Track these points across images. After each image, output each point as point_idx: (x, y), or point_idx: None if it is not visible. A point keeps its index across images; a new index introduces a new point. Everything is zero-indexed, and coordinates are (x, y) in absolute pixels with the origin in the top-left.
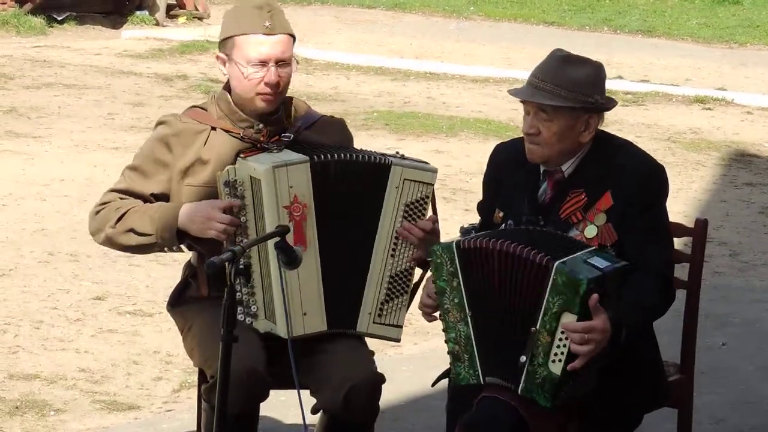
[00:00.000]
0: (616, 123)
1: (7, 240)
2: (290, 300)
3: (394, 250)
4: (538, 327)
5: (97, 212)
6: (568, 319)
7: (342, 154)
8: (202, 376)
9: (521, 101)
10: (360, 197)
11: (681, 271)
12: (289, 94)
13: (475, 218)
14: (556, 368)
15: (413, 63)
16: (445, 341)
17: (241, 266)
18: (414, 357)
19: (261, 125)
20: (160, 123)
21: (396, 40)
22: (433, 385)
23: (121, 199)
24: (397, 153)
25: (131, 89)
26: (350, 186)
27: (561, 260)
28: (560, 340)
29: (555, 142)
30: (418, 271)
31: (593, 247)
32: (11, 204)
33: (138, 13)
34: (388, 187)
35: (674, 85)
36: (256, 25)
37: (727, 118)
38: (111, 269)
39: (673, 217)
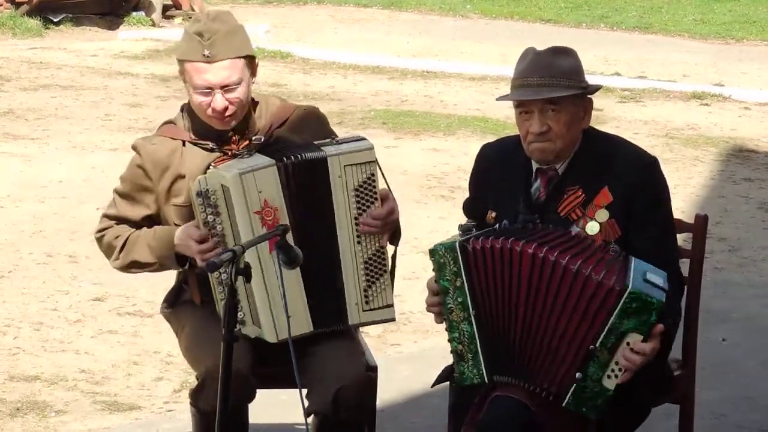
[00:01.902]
0: (614, 120)
1: (5, 242)
2: (272, 304)
3: (358, 236)
4: (598, 345)
5: (99, 240)
6: (634, 339)
7: (302, 154)
8: None
9: (517, 104)
10: (315, 194)
11: (681, 267)
12: (285, 92)
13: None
14: (610, 384)
15: (410, 62)
16: (449, 340)
17: (242, 266)
18: (414, 355)
19: (230, 132)
20: (133, 148)
21: (393, 39)
22: (433, 386)
23: (117, 224)
24: (333, 139)
25: (128, 90)
26: (307, 185)
27: (630, 283)
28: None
29: (566, 133)
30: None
31: (622, 253)
32: (10, 206)
33: (134, 14)
34: (331, 179)
35: (671, 81)
36: (195, 52)
37: (725, 114)
38: (110, 270)
39: None
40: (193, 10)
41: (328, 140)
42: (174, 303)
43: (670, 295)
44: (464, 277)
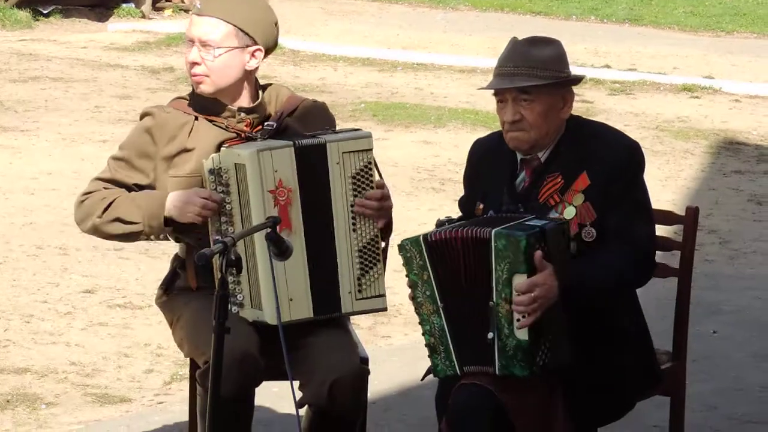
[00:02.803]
0: (604, 112)
1: None
2: (276, 285)
3: (354, 224)
4: (495, 299)
5: (82, 201)
6: (519, 280)
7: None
8: (193, 366)
9: (494, 92)
10: (317, 180)
11: (672, 259)
12: (275, 83)
13: None
14: (523, 333)
15: (400, 54)
16: (422, 334)
17: (232, 257)
18: (404, 347)
19: (243, 114)
20: (145, 114)
21: (383, 31)
22: (423, 379)
23: (105, 188)
24: (329, 129)
25: (118, 82)
26: (312, 170)
27: (498, 227)
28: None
29: (541, 123)
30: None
31: (532, 216)
32: None
33: (124, 5)
34: (329, 165)
35: (662, 73)
36: (194, 7)
37: (715, 107)
38: (100, 262)
39: (662, 206)
40: (183, 2)
41: (326, 129)
42: (167, 292)
43: (612, 256)
44: (430, 270)
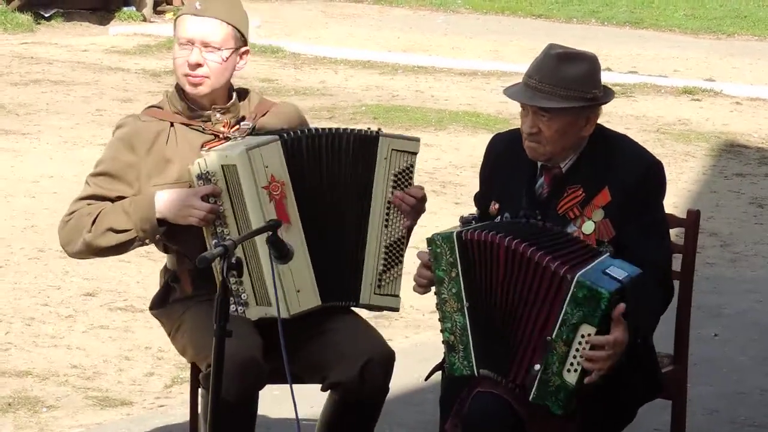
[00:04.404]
0: (605, 115)
1: None
2: (282, 279)
3: (387, 220)
4: (554, 336)
5: (67, 221)
6: (587, 330)
7: (312, 131)
8: (195, 370)
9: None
10: (348, 171)
11: (673, 263)
12: (276, 87)
13: (464, 211)
14: (572, 378)
15: (401, 56)
16: (441, 331)
17: (233, 261)
18: (405, 350)
19: (219, 115)
20: (119, 126)
21: (383, 34)
22: (427, 378)
23: (89, 205)
24: (369, 129)
25: (119, 85)
26: (332, 160)
27: (581, 272)
28: (577, 350)
29: (557, 140)
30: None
31: (605, 253)
32: (0, 201)
33: (125, 9)
34: (377, 158)
35: (663, 76)
36: (190, 5)
37: (716, 109)
38: (101, 265)
39: None
40: (184, 5)
41: (366, 129)
42: (162, 304)
43: (650, 292)
44: (460, 268)
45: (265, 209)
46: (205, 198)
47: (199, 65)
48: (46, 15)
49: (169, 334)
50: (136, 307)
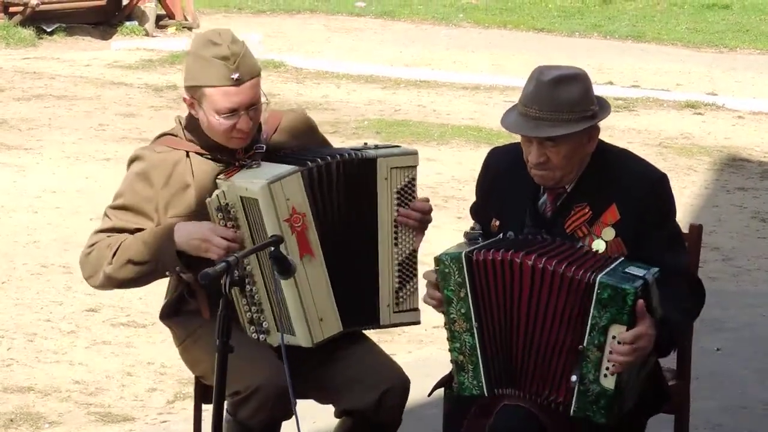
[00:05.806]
0: (608, 129)
1: None
2: (306, 308)
3: (396, 238)
4: (585, 344)
5: (88, 254)
6: (617, 330)
7: (324, 157)
8: (198, 386)
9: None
10: (354, 196)
11: None
12: (278, 102)
13: (466, 225)
14: (609, 382)
15: (403, 71)
16: (450, 350)
17: (235, 277)
18: (408, 365)
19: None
20: (134, 158)
21: (386, 49)
22: (430, 394)
23: (108, 237)
24: (366, 144)
25: (122, 100)
26: (342, 187)
27: (602, 274)
28: (610, 353)
29: (567, 164)
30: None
31: (620, 258)
32: (3, 216)
33: (127, 23)
34: (378, 180)
35: (665, 90)
36: (222, 77)
37: (718, 123)
38: None
39: None
40: (186, 20)
41: (361, 145)
42: (176, 314)
43: (677, 293)
44: (468, 288)
45: (288, 242)
46: (227, 237)
47: (250, 127)
48: (49, 30)
49: (179, 344)
50: (138, 323)
